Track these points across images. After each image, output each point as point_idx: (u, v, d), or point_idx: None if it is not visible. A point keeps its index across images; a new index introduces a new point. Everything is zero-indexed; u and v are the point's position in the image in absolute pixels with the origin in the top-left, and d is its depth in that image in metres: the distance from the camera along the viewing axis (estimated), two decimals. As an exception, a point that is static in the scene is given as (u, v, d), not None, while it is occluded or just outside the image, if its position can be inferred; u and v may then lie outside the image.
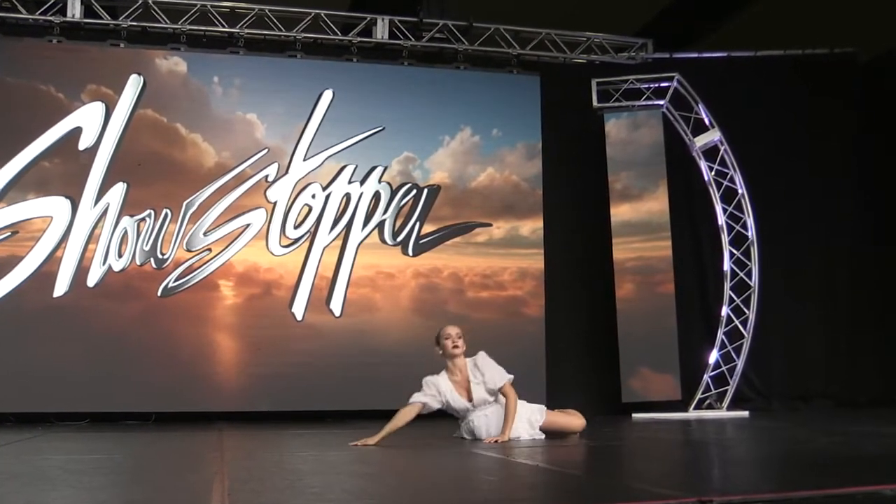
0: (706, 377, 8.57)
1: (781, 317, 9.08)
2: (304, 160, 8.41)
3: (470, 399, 5.51)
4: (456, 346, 5.52)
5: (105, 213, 7.93)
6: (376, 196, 8.54)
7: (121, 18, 8.29)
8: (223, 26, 8.52)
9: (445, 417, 5.72)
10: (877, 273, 9.34)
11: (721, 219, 8.76)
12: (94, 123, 7.98)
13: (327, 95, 8.52)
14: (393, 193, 8.58)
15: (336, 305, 8.37)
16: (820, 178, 9.34)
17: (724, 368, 8.58)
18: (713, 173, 8.80)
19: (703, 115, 8.79)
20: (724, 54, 9.45)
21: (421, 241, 8.62)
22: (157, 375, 7.85)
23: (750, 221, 8.70)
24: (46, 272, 7.76)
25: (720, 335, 8.63)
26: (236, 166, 8.27)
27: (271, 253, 8.27)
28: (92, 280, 7.86)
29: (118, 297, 7.93)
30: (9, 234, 7.75)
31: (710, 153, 8.83)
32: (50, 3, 8.10)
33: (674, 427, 7.19)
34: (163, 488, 3.65)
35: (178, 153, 8.23)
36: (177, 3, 8.37)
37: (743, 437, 6.23)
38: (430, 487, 3.73)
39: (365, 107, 8.60)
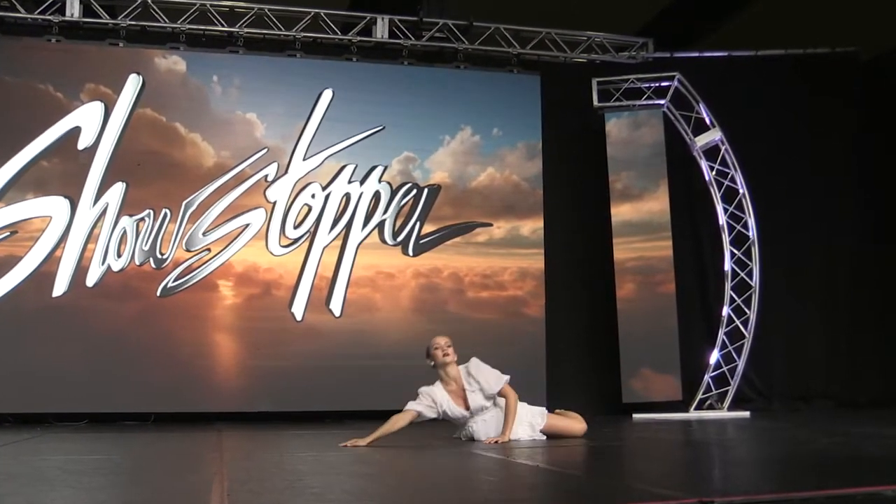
0: (707, 377, 8.55)
1: (782, 317, 9.07)
2: (304, 160, 8.40)
3: (467, 407, 5.48)
4: (446, 355, 5.47)
5: (104, 212, 7.91)
6: (376, 196, 8.53)
7: (120, 18, 8.27)
8: (222, 25, 8.50)
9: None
10: (878, 273, 9.32)
11: (722, 218, 8.75)
12: (93, 123, 7.97)
13: (327, 95, 8.51)
14: (393, 193, 8.57)
15: (336, 305, 8.36)
16: (821, 177, 9.33)
17: (724, 369, 8.57)
18: (714, 173, 8.79)
19: (704, 115, 8.78)
20: (725, 54, 9.44)
21: (421, 241, 8.61)
22: (156, 376, 7.84)
23: (751, 221, 8.69)
24: (45, 272, 7.75)
25: (721, 335, 8.62)
26: (236, 166, 8.26)
27: (271, 253, 8.25)
28: (91, 280, 7.84)
29: (117, 297, 7.91)
30: (8, 234, 7.74)
31: (711, 153, 8.82)
32: (49, 3, 8.08)
33: (674, 427, 7.18)
34: (162, 489, 3.64)
35: (177, 153, 8.22)
36: (176, 3, 8.36)
37: (744, 438, 6.21)
38: (430, 488, 3.72)
39: (365, 106, 8.59)
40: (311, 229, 8.35)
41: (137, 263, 7.96)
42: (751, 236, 8.69)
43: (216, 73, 8.40)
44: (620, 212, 8.84)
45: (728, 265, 8.69)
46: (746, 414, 8.30)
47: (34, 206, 7.82)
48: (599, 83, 8.93)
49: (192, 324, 8.11)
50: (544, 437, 5.59)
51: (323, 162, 8.44)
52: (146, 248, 7.98)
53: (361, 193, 8.49)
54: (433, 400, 5.42)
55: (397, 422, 5.32)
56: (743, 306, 8.63)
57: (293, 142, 8.40)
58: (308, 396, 8.14)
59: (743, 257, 8.70)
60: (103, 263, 7.88)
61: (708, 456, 5.04)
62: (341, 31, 8.84)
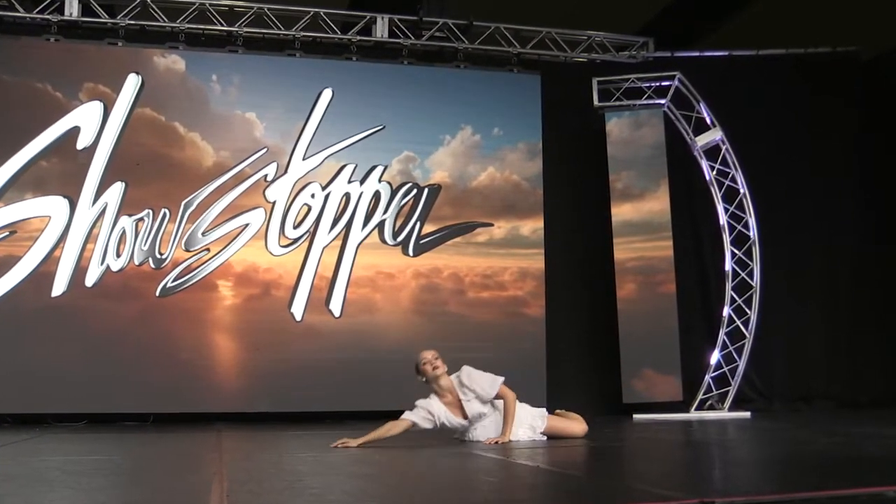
0: (708, 378, 8.54)
1: (783, 317, 9.05)
2: (304, 159, 8.38)
3: (465, 416, 5.46)
4: (436, 368, 5.42)
5: (103, 212, 7.90)
6: (376, 196, 8.51)
7: (119, 17, 8.26)
8: (222, 25, 8.49)
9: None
10: (879, 273, 9.31)
11: (722, 218, 8.74)
12: (92, 123, 7.95)
13: (327, 94, 8.49)
14: (393, 193, 8.55)
15: (335, 306, 8.34)
16: (822, 177, 9.31)
17: (725, 369, 8.56)
18: (714, 173, 8.78)
19: (705, 115, 8.77)
20: (726, 53, 9.43)
21: (421, 241, 8.59)
22: (156, 376, 7.83)
23: (752, 221, 8.68)
24: (44, 272, 7.74)
25: (721, 336, 8.60)
26: (235, 165, 8.24)
27: (270, 253, 8.24)
28: (90, 280, 7.83)
29: (116, 297, 7.90)
30: (7, 233, 7.72)
31: (712, 152, 8.80)
32: (47, 2, 8.07)
33: (675, 428, 7.16)
34: (161, 490, 3.63)
35: (176, 152, 8.20)
36: (175, 2, 8.35)
37: (744, 438, 6.20)
38: (429, 488, 3.71)
39: (365, 106, 8.58)
40: (311, 229, 8.34)
41: (136, 263, 7.94)
42: (751, 236, 8.68)
43: (215, 73, 8.38)
44: (621, 212, 8.82)
45: (729, 265, 8.68)
46: (747, 414, 8.29)
47: (33, 206, 7.80)
48: (600, 83, 8.92)
49: (191, 324, 8.10)
50: (545, 438, 5.57)
51: (323, 161, 8.43)
52: (145, 248, 7.97)
53: (361, 193, 8.47)
54: (430, 412, 5.39)
55: (391, 429, 5.30)
56: (744, 306, 8.62)
57: (293, 141, 8.38)
58: (308, 397, 8.12)
59: (744, 257, 8.69)
60: (102, 263, 7.87)
61: (709, 456, 5.03)
62: (341, 30, 8.83)
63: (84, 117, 7.95)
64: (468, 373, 5.48)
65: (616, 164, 8.87)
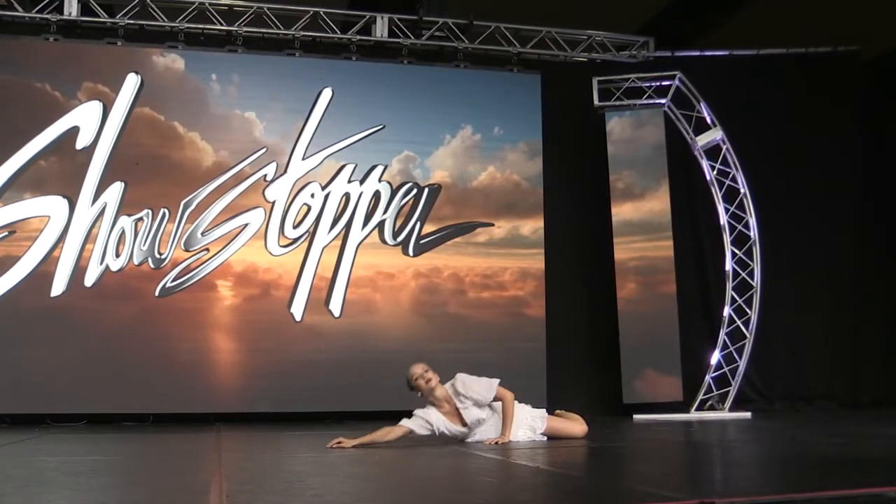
0: (708, 378, 8.53)
1: (783, 317, 9.04)
2: (303, 159, 8.37)
3: (464, 424, 5.45)
4: (429, 381, 5.38)
5: (102, 212, 7.89)
6: (376, 195, 8.50)
7: (118, 16, 8.25)
8: (221, 24, 8.47)
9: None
10: (879, 273, 9.31)
11: (723, 218, 8.72)
12: (91, 122, 7.94)
13: (326, 94, 8.48)
14: (393, 193, 8.54)
15: (335, 306, 8.33)
16: (822, 177, 9.30)
17: (726, 369, 8.54)
18: (715, 172, 8.76)
19: (705, 114, 8.75)
20: (726, 53, 9.42)
21: (422, 241, 8.57)
22: (155, 376, 7.82)
23: (752, 221, 8.67)
24: (43, 272, 7.72)
25: (722, 336, 8.59)
26: (234, 165, 8.23)
27: (270, 253, 8.22)
28: (89, 280, 7.82)
29: (116, 297, 7.88)
30: (6, 233, 7.71)
31: (712, 152, 8.79)
32: (47, 1, 8.06)
33: (675, 428, 7.15)
34: (160, 490, 3.63)
35: (175, 152, 8.19)
36: (174, 1, 8.33)
37: (745, 439, 6.19)
38: (429, 489, 3.70)
39: (364, 105, 8.56)
40: (311, 229, 8.32)
41: (136, 263, 7.93)
42: (752, 236, 8.67)
43: (215, 72, 8.37)
44: (621, 211, 8.81)
45: (729, 265, 8.67)
46: (748, 415, 8.27)
47: (32, 206, 7.79)
48: (600, 82, 8.90)
49: (190, 324, 8.08)
50: (545, 439, 5.56)
51: (322, 161, 8.41)
52: (145, 248, 7.95)
53: (361, 193, 8.46)
54: (428, 421, 5.38)
55: (387, 434, 5.29)
56: (744, 306, 8.61)
57: (292, 141, 8.37)
58: (307, 397, 8.11)
59: (744, 257, 8.68)
60: (102, 263, 7.86)
61: (709, 457, 5.03)
62: (341, 29, 8.82)
63: (83, 117, 7.94)
64: (463, 381, 5.44)
65: (616, 164, 8.86)
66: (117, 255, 7.89)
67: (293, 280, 8.24)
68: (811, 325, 9.17)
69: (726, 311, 8.62)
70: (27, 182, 7.80)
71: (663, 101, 8.88)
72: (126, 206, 7.94)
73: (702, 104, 8.77)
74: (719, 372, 8.56)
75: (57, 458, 4.90)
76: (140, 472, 4.41)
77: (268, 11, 8.52)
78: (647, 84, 8.93)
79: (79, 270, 7.79)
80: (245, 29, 8.50)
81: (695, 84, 8.81)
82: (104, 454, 5.15)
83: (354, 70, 8.73)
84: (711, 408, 8.47)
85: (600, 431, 6.33)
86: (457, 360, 8.12)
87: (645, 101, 8.92)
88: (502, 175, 8.89)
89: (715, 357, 8.58)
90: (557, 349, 8.68)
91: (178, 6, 8.34)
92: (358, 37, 8.76)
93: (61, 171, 7.90)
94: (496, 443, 5.30)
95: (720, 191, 8.75)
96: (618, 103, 8.92)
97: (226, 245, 8.13)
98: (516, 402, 5.51)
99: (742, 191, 8.70)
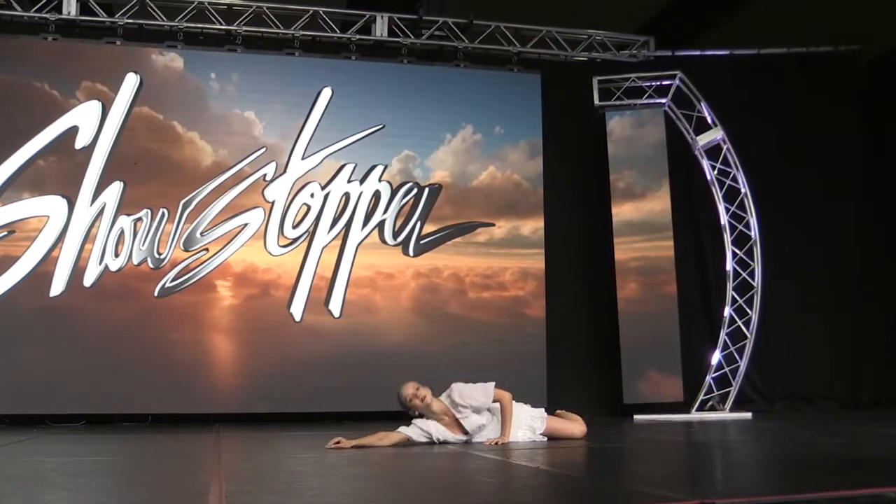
0: (709, 378, 8.51)
1: (784, 317, 9.02)
2: (303, 159, 8.35)
3: (465, 432, 5.44)
4: (424, 399, 5.36)
5: (101, 212, 7.87)
6: (376, 195, 8.48)
7: (117, 16, 8.23)
8: (220, 24, 8.46)
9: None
10: (880, 273, 9.29)
11: (724, 218, 8.71)
12: (90, 122, 7.93)
13: (326, 93, 8.46)
14: (393, 193, 8.52)
15: (335, 306, 8.31)
16: (823, 176, 9.28)
17: (726, 370, 8.53)
18: (716, 172, 8.75)
19: (706, 114, 8.74)
20: (727, 52, 9.40)
21: (422, 241, 8.56)
22: (154, 377, 7.80)
23: (753, 221, 8.65)
24: (42, 272, 7.71)
25: (723, 336, 8.57)
26: (234, 165, 8.21)
27: (269, 253, 8.20)
28: (88, 280, 7.80)
29: (115, 297, 7.87)
30: (5, 233, 7.70)
31: (713, 152, 8.78)
32: (45, 1, 8.04)
33: (676, 429, 7.14)
34: (159, 491, 3.62)
35: (174, 152, 8.17)
36: (173, 0, 8.31)
37: (746, 439, 6.19)
38: (429, 489, 3.69)
39: (364, 105, 8.55)
40: (310, 229, 8.31)
41: (135, 263, 7.91)
42: (753, 236, 8.65)
43: (214, 71, 8.35)
44: (622, 211, 8.79)
45: (730, 265, 8.65)
46: (748, 415, 8.26)
47: (31, 206, 7.78)
48: (600, 82, 8.88)
49: (189, 324, 8.07)
50: (545, 439, 5.55)
51: (322, 161, 8.40)
52: (144, 248, 7.94)
53: (361, 193, 8.44)
54: (426, 431, 5.38)
55: (384, 439, 5.31)
56: (745, 307, 8.59)
57: (292, 140, 8.35)
58: (307, 398, 8.09)
59: (745, 257, 8.66)
60: (101, 263, 7.84)
61: (710, 457, 5.02)
62: (340, 29, 8.80)
63: (82, 116, 7.92)
64: (459, 391, 5.43)
65: (617, 164, 8.84)
66: (116, 255, 7.88)
67: (293, 280, 8.22)
68: (812, 325, 9.15)
69: (727, 311, 8.60)
70: (26, 182, 7.78)
71: (664, 100, 8.86)
72: (125, 206, 7.92)
73: (702, 104, 8.75)
74: (720, 372, 8.54)
75: (56, 458, 4.89)
76: (139, 472, 4.40)
77: (267, 11, 8.50)
78: (648, 84, 8.91)
79: (78, 270, 7.78)
80: (244, 28, 8.48)
81: (695, 84, 8.79)
82: (103, 455, 5.14)
83: (354, 69, 8.72)
84: (712, 408, 8.46)
85: (601, 432, 6.32)
86: (457, 361, 8.19)
87: (645, 101, 8.90)
88: (503, 175, 8.87)
89: (715, 357, 8.56)
90: (558, 349, 8.66)
91: (178, 5, 8.32)
92: (357, 36, 8.75)
93: (60, 170, 7.88)
94: (496, 443, 5.29)
95: (721, 190, 8.74)
96: (618, 103, 8.90)
97: (225, 245, 8.11)
98: (514, 401, 5.50)
99: (743, 190, 8.69)
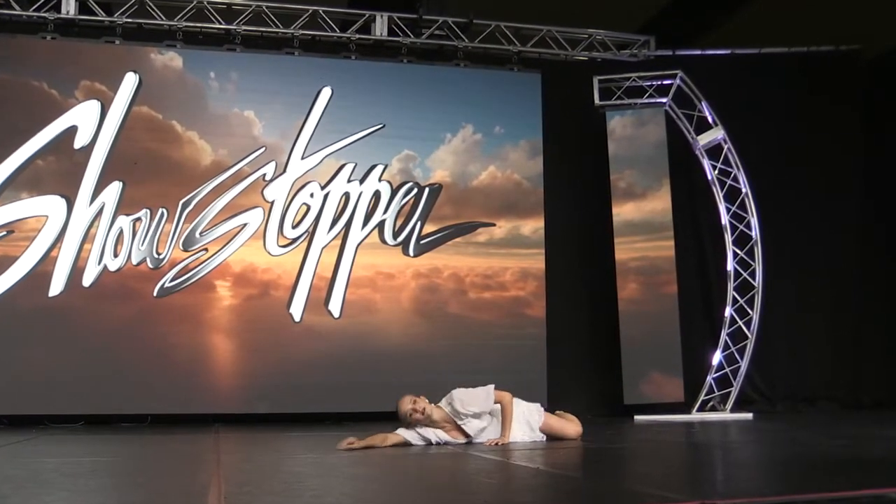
0: (709, 379, 8.49)
1: (785, 318, 9.01)
2: (303, 158, 8.33)
3: (466, 435, 5.44)
4: (423, 410, 5.35)
5: (101, 212, 7.86)
6: (376, 195, 8.46)
7: (116, 15, 8.22)
8: (220, 23, 8.44)
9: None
10: (881, 273, 9.27)
11: (724, 218, 8.69)
12: (89, 122, 7.91)
13: (326, 93, 8.45)
14: (393, 192, 8.50)
15: (335, 306, 8.29)
16: (824, 176, 9.27)
17: (727, 370, 8.51)
18: (716, 172, 8.73)
19: (707, 113, 8.72)
20: (728, 51, 9.39)
21: (422, 241, 8.54)
22: (153, 377, 7.79)
23: (754, 221, 8.64)
24: (41, 272, 7.69)
25: (723, 336, 8.56)
26: (233, 165, 8.19)
27: (269, 253, 8.19)
28: (87, 280, 7.78)
29: (114, 297, 7.85)
30: (4, 233, 7.68)
31: (714, 151, 8.76)
32: (44, 0, 8.02)
33: (677, 429, 7.13)
34: (159, 491, 3.62)
35: (174, 151, 8.16)
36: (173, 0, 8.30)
37: (746, 440, 6.18)
38: (429, 490, 3.68)
39: (364, 104, 8.53)
40: (310, 229, 8.29)
41: (134, 263, 7.90)
42: (753, 236, 8.64)
43: (213, 71, 8.34)
44: (622, 211, 8.78)
45: (731, 265, 8.63)
46: (749, 416, 8.25)
47: (30, 206, 7.76)
48: (601, 81, 8.86)
49: (189, 324, 8.05)
50: (544, 438, 5.55)
51: (322, 161, 8.38)
52: (143, 248, 7.92)
53: (361, 193, 8.43)
54: (425, 437, 5.37)
55: (384, 440, 5.31)
56: (746, 307, 8.58)
57: (291, 140, 8.34)
58: (307, 398, 8.07)
59: (746, 257, 8.65)
60: (100, 263, 7.83)
61: (710, 458, 5.02)
62: (340, 28, 8.79)
63: (81, 116, 7.90)
64: (460, 398, 5.43)
65: (617, 164, 8.83)
66: (115, 255, 7.86)
67: (292, 280, 8.21)
68: (813, 325, 9.13)
69: (728, 311, 8.58)
70: (25, 181, 7.77)
71: (664, 100, 8.85)
72: (124, 206, 7.91)
73: (703, 103, 8.73)
74: (721, 372, 8.52)
75: (55, 459, 4.89)
76: (138, 473, 4.39)
77: (266, 10, 8.48)
78: (648, 83, 8.89)
79: (77, 270, 7.76)
80: (244, 27, 8.47)
81: (696, 83, 8.77)
82: (102, 455, 5.14)
83: (354, 69, 8.70)
84: (713, 409, 8.44)
85: (601, 432, 6.32)
86: (457, 361, 8.18)
87: (646, 101, 8.89)
88: (503, 174, 8.86)
89: (716, 357, 8.54)
90: (558, 349, 8.65)
91: (177, 5, 8.31)
92: (357, 35, 8.74)
93: (59, 170, 7.87)
94: (496, 443, 5.28)
95: (721, 190, 8.72)
96: (619, 102, 8.88)
97: (224, 245, 8.10)
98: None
99: (743, 190, 8.67)
